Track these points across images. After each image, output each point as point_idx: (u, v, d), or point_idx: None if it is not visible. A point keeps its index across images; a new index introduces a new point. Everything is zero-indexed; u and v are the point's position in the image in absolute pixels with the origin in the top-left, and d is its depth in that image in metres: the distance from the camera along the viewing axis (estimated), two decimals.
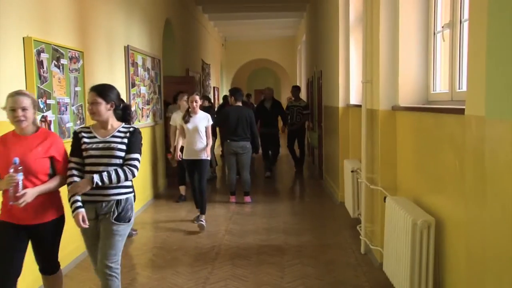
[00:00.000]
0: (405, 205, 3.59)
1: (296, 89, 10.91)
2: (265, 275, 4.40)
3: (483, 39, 2.30)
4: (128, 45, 6.50)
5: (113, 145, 3.20)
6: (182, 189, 7.37)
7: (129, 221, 3.26)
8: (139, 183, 6.87)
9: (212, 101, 11.75)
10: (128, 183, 3.29)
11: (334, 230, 5.88)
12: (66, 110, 4.62)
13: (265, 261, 4.78)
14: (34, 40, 3.99)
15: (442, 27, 3.77)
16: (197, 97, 6.23)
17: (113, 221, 3.18)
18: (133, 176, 3.22)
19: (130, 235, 5.63)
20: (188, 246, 5.36)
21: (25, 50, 3.94)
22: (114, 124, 3.30)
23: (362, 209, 4.95)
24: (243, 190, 7.52)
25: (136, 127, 3.34)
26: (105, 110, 3.23)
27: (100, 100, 3.21)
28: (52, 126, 4.30)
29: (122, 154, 3.20)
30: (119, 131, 3.26)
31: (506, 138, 2.13)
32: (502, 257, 2.18)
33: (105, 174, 3.11)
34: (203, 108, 6.80)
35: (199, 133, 6.15)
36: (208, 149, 6.22)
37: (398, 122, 4.34)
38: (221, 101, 12.03)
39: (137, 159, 3.24)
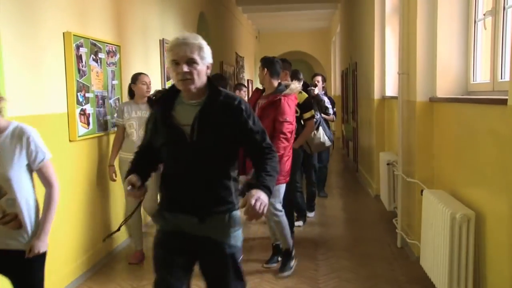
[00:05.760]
0: (443, 198, 3.50)
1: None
2: (299, 267, 4.39)
3: None
4: (163, 39, 6.58)
5: None
6: None
7: None
8: None
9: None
10: None
11: (369, 223, 5.81)
12: (104, 103, 4.72)
13: (299, 253, 4.76)
14: (73, 35, 4.08)
15: (484, 14, 3.65)
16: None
17: None
18: None
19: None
20: None
21: (65, 45, 4.03)
22: None
23: (398, 202, 4.88)
24: None
25: None
26: None
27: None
28: (90, 119, 4.40)
29: None
30: None
31: None
32: None
33: None
34: None
35: None
36: None
37: (435, 113, 4.24)
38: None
39: None
